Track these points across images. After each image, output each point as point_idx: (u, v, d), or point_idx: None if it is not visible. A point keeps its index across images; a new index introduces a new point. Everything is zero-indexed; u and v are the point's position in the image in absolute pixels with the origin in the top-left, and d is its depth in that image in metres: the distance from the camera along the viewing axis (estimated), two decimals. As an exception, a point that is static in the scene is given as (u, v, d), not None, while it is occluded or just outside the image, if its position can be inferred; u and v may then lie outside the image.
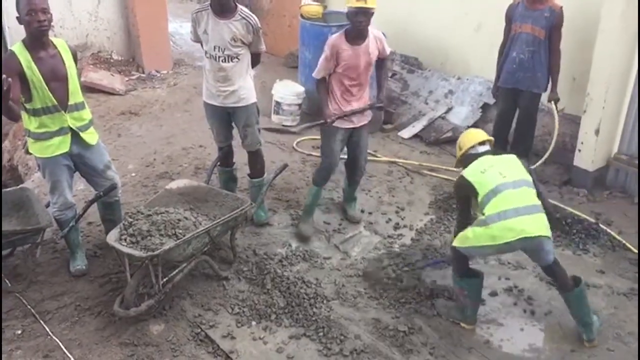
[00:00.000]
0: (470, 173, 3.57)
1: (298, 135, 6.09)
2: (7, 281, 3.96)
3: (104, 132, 6.20)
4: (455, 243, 3.62)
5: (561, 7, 5.00)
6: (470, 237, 3.49)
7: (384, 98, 4.56)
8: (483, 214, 3.44)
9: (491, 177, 3.48)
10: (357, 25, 4.13)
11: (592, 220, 4.84)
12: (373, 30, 4.28)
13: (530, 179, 3.56)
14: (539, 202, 3.46)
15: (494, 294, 4.03)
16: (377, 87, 4.58)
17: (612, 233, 4.69)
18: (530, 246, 3.44)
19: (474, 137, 3.78)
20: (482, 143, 3.74)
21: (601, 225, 4.77)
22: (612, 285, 4.15)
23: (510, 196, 3.41)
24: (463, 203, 3.76)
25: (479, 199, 3.49)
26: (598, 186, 5.37)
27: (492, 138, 3.82)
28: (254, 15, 4.26)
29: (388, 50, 4.42)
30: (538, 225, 3.36)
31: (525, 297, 4.00)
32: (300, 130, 4.51)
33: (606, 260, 4.44)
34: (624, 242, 4.60)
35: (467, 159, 3.71)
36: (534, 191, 3.51)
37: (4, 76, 3.21)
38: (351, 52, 4.17)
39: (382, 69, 4.50)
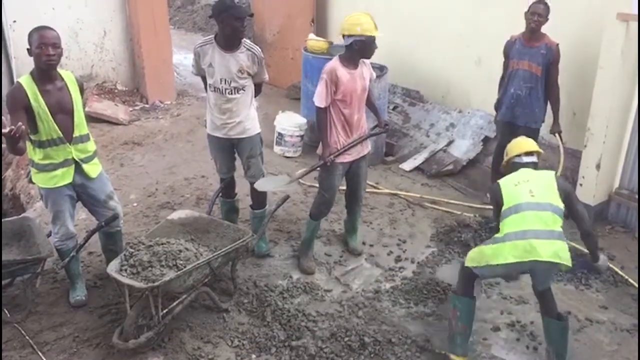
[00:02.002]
0: (505, 183, 3.57)
1: (299, 165, 6.11)
2: (6, 311, 3.93)
3: (106, 161, 6.24)
4: (469, 263, 3.56)
5: (557, 45, 5.07)
6: (489, 253, 3.43)
7: (385, 119, 4.66)
8: (499, 231, 3.44)
9: (520, 193, 3.45)
10: (371, 54, 4.27)
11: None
12: None
13: (558, 205, 3.45)
14: (560, 230, 3.38)
15: (496, 329, 3.99)
16: (373, 111, 4.66)
17: (615, 268, 4.67)
18: (540, 269, 3.40)
19: (521, 145, 3.76)
20: (529, 153, 3.70)
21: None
22: (615, 321, 4.11)
23: (530, 218, 3.36)
24: (495, 210, 3.71)
25: (503, 209, 3.49)
26: (600, 221, 5.36)
27: (541, 150, 3.78)
28: (257, 46, 4.35)
29: (373, 74, 4.52)
30: (554, 251, 3.29)
31: (528, 332, 3.96)
32: (299, 176, 4.53)
33: (609, 295, 4.41)
34: (626, 277, 4.57)
35: (510, 166, 3.70)
36: (557, 218, 3.41)
37: (19, 123, 3.27)
38: (349, 77, 4.22)
39: (371, 93, 4.56)
